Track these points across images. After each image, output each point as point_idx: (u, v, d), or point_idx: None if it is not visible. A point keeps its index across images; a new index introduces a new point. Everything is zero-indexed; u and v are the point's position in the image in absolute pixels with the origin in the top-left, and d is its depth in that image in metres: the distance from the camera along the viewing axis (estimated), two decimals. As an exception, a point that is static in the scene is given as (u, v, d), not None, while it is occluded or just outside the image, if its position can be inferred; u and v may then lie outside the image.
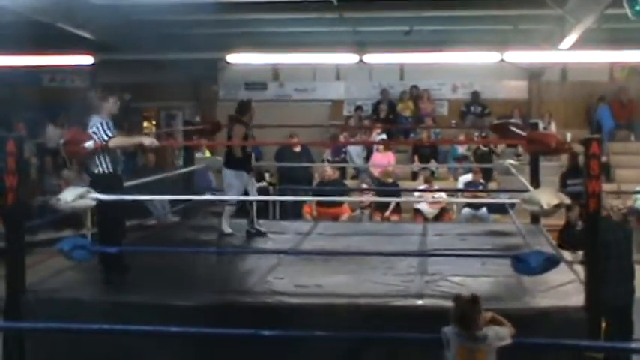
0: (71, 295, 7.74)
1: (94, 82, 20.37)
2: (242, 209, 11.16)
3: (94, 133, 8.08)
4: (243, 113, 10.90)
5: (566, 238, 8.02)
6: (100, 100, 8.41)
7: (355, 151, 19.04)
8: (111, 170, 8.20)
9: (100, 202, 7.88)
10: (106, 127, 8.14)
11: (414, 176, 18.71)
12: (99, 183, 8.10)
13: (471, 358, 5.76)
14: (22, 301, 7.52)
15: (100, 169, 8.17)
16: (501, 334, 5.83)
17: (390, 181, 16.97)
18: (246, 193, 10.70)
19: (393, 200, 16.09)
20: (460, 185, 16.85)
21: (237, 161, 10.66)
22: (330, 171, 16.62)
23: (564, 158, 17.55)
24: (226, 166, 10.77)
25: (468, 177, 16.85)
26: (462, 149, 18.86)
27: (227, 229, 10.83)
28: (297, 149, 17.21)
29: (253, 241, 10.60)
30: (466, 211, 16.18)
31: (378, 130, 19.26)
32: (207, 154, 16.31)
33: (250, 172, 10.92)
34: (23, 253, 7.77)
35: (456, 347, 5.79)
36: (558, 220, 11.07)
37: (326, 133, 19.98)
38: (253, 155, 18.04)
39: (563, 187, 13.91)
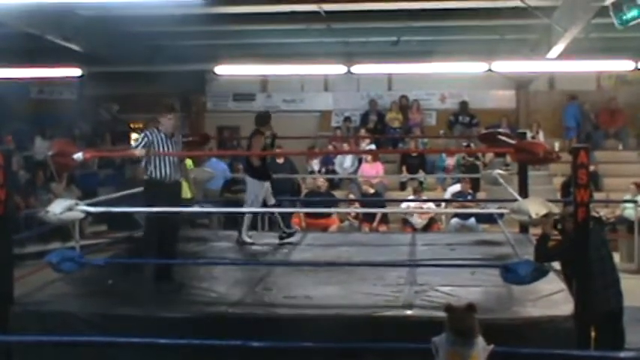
0: (59, 307, 7.71)
1: (82, 94, 20.35)
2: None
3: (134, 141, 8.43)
4: (263, 124, 11.07)
5: (539, 249, 7.98)
6: (158, 115, 8.69)
7: (339, 162, 19.03)
8: (158, 177, 8.45)
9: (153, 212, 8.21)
10: (141, 140, 8.56)
11: (403, 186, 18.71)
12: (147, 188, 8.62)
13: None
14: (11, 314, 7.49)
15: (147, 176, 8.55)
16: (484, 344, 5.84)
17: (372, 191, 16.99)
18: (264, 202, 10.92)
19: (380, 211, 16.07)
20: (447, 196, 16.85)
21: (255, 170, 10.92)
22: (322, 182, 16.67)
23: (553, 167, 17.61)
24: (248, 174, 11.09)
25: (457, 187, 16.86)
26: (449, 160, 18.85)
27: (247, 238, 10.97)
28: (281, 160, 17.19)
29: (278, 250, 10.67)
30: (455, 221, 16.18)
31: (367, 141, 19.27)
32: (190, 165, 16.28)
33: (269, 180, 11.11)
34: (11, 266, 7.74)
35: (446, 354, 5.77)
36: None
37: (314, 143, 19.96)
38: (241, 166, 18.22)
39: (565, 195, 13.89)
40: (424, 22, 15.38)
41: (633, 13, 11.18)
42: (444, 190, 17.75)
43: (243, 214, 11.05)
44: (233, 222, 11.15)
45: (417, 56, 17.25)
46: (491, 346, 5.80)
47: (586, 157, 6.97)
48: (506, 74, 19.50)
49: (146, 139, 8.49)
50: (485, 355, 5.79)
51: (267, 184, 11.04)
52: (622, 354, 7.52)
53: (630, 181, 16.17)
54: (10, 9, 11.85)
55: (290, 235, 11.14)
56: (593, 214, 8.79)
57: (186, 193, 16.11)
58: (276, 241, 11.08)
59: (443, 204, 16.52)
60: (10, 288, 7.65)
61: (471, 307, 5.82)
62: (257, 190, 10.87)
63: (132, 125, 22.12)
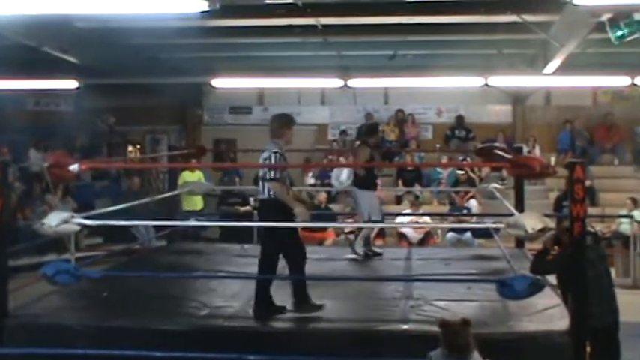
0: (54, 320, 7.70)
1: (78, 105, 20.34)
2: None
3: (266, 159, 8.08)
4: (369, 135, 11.09)
5: (537, 263, 8.00)
6: (280, 128, 8.39)
7: (335, 175, 18.97)
8: (268, 196, 8.03)
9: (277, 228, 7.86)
10: (274, 161, 8.07)
11: (399, 200, 18.71)
12: (266, 208, 8.12)
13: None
14: (5, 326, 7.47)
15: (266, 195, 8.04)
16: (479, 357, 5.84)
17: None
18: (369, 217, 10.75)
19: (377, 226, 16.04)
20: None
21: (362, 180, 10.84)
22: (323, 198, 16.71)
23: (549, 182, 17.63)
24: (355, 186, 11.00)
25: (473, 202, 16.90)
26: (444, 173, 18.86)
27: (359, 250, 10.88)
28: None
29: (369, 263, 10.61)
30: (451, 235, 16.18)
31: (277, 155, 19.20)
32: (200, 177, 16.33)
33: (376, 190, 11.07)
34: (6, 278, 7.73)
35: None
36: (543, 244, 11.11)
37: (310, 157, 19.96)
38: (238, 179, 18.19)
39: (557, 210, 13.91)
40: (421, 37, 15.41)
41: (629, 28, 11.23)
42: (442, 204, 17.76)
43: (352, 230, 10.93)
44: (230, 235, 11.02)
45: (413, 70, 17.26)
46: None
47: (582, 172, 6.97)
48: (502, 89, 19.56)
49: (282, 159, 8.13)
50: None
51: (376, 194, 11.03)
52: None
53: (626, 196, 16.21)
54: (7, 21, 11.85)
55: (377, 254, 11.01)
56: (589, 229, 8.79)
57: (197, 204, 16.28)
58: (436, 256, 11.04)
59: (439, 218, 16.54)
60: (5, 300, 7.63)
61: (465, 322, 5.82)
62: (369, 199, 10.80)
63: (128, 137, 22.17)
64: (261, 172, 8.24)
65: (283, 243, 7.95)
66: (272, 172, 7.96)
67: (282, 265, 8.09)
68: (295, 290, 7.96)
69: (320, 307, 7.86)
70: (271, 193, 7.95)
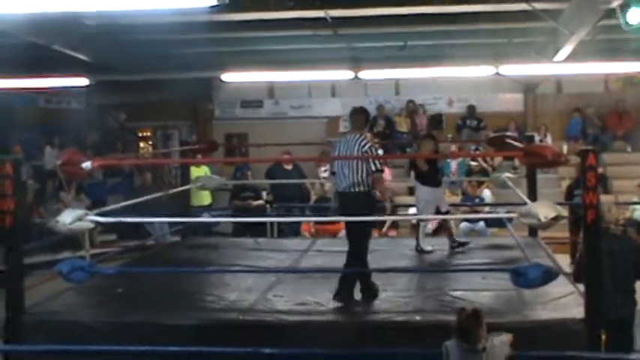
0: (70, 316, 7.74)
1: (89, 103, 20.38)
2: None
3: (366, 152, 8.08)
4: (434, 128, 11.04)
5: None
6: (366, 122, 8.58)
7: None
8: (360, 189, 8.07)
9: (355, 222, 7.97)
10: (374, 153, 8.23)
11: (411, 191, 18.66)
12: (361, 200, 8.10)
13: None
14: (22, 323, 7.51)
15: (362, 187, 8.06)
16: (504, 339, 5.85)
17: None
18: (438, 210, 10.65)
19: (389, 218, 16.05)
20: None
21: (423, 175, 10.69)
22: (329, 188, 16.63)
23: (562, 170, 17.57)
24: (417, 181, 10.88)
25: (487, 192, 16.86)
26: (453, 164, 18.83)
27: (426, 247, 10.75)
28: (289, 167, 17.17)
29: (459, 259, 10.47)
30: (464, 225, 16.15)
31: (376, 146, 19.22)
32: (207, 171, 16.30)
33: (440, 186, 10.90)
34: (22, 276, 7.76)
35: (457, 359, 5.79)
36: (557, 233, 11.11)
37: (322, 149, 19.97)
38: (250, 173, 18.16)
39: (569, 198, 13.87)
40: (430, 27, 15.36)
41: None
42: (454, 194, 17.75)
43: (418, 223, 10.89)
44: (243, 230, 10.99)
45: (424, 61, 17.23)
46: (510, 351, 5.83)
47: (594, 159, 6.96)
48: (513, 77, 19.49)
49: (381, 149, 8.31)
50: (504, 355, 5.80)
51: (440, 190, 10.85)
52: (632, 356, 7.53)
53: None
54: (16, 19, 11.88)
55: (462, 244, 10.85)
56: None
57: (205, 199, 16.29)
58: (445, 246, 10.88)
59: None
60: (21, 298, 7.67)
61: (475, 312, 5.83)
62: (425, 196, 10.64)
63: (140, 134, 22.22)
64: (352, 165, 8.10)
65: (367, 234, 8.20)
66: (379, 165, 8.03)
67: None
68: (363, 280, 8.11)
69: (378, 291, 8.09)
70: (369, 185, 8.02)
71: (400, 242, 12.29)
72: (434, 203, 10.62)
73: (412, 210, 16.23)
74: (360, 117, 8.50)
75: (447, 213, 10.95)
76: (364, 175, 8.02)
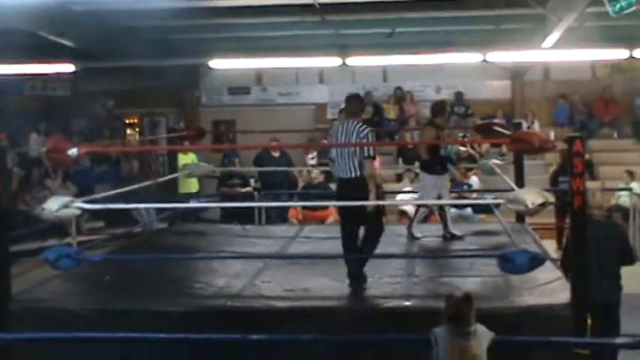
0: (57, 304, 7.70)
1: (76, 89, 20.30)
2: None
3: (364, 138, 8.07)
4: (436, 115, 10.78)
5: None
6: (361, 109, 8.55)
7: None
8: (359, 174, 8.05)
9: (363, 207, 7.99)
10: (371, 139, 8.20)
11: (399, 178, 18.70)
12: (354, 185, 8.09)
13: (462, 355, 5.77)
14: (8, 311, 7.48)
15: (354, 173, 8.06)
16: (486, 332, 5.88)
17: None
18: (439, 197, 10.53)
19: (377, 203, 16.04)
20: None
21: (427, 163, 10.55)
22: (315, 174, 16.62)
23: (549, 157, 17.63)
24: (420, 168, 10.76)
25: (474, 179, 16.89)
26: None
27: (417, 233, 10.68)
28: (276, 154, 17.17)
29: (446, 245, 10.44)
30: (453, 211, 16.16)
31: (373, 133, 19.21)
32: (194, 159, 16.27)
33: (445, 173, 10.75)
34: (8, 263, 7.73)
35: (446, 345, 5.79)
36: (543, 219, 11.14)
37: (310, 136, 19.97)
38: (238, 160, 18.15)
39: (554, 185, 13.91)
40: (418, 14, 15.36)
41: (628, 1, 11.18)
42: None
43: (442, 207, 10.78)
44: (230, 217, 10.98)
45: (411, 47, 17.25)
46: (493, 334, 5.85)
47: (581, 145, 6.96)
48: (501, 64, 19.51)
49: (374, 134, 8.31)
50: (487, 343, 5.83)
51: (443, 177, 10.71)
52: (617, 340, 7.56)
53: (626, 169, 16.23)
54: (2, 5, 11.83)
55: (455, 237, 10.62)
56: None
57: (193, 187, 16.28)
58: (439, 233, 10.76)
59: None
60: (8, 285, 7.63)
61: (467, 297, 5.85)
62: (427, 183, 10.53)
63: (127, 121, 22.15)
64: (351, 151, 8.10)
65: (370, 219, 8.12)
66: (371, 151, 8.03)
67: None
68: (355, 267, 8.11)
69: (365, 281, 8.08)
70: (362, 170, 8.01)
71: (389, 229, 12.28)
72: (435, 191, 10.56)
73: (400, 197, 16.32)
74: (356, 104, 8.52)
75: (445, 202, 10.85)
76: (356, 161, 8.08)
